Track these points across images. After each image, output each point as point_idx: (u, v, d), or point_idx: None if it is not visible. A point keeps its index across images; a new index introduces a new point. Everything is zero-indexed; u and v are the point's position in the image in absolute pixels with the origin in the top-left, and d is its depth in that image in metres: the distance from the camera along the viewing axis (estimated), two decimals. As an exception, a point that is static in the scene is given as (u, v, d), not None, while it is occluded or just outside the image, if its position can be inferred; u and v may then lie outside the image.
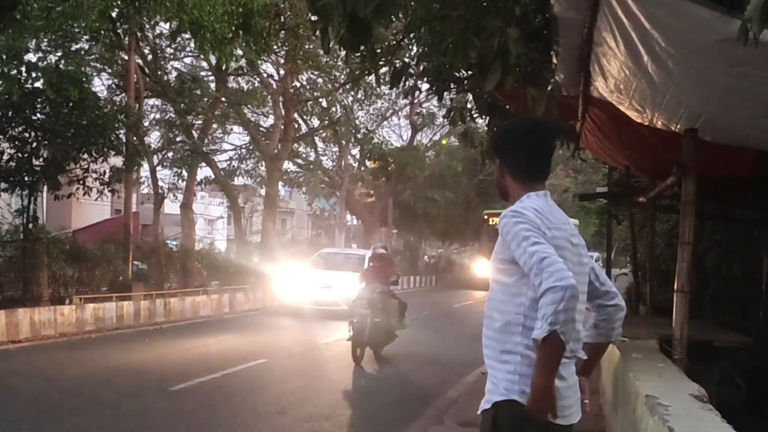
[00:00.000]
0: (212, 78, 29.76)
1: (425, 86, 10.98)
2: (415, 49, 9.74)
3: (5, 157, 17.76)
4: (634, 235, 11.02)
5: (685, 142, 5.62)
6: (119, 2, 17.59)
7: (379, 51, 7.12)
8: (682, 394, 3.98)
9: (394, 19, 5.68)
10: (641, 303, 9.88)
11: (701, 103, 4.97)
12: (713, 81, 4.43)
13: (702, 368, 5.83)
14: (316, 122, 36.09)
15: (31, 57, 20.41)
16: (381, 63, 7.45)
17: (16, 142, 17.79)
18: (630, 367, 4.97)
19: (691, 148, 5.60)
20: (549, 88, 5.44)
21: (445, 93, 10.40)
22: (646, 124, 5.88)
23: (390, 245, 51.45)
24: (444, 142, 41.45)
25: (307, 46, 26.66)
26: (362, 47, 5.65)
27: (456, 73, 9.79)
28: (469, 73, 9.48)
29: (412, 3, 5.42)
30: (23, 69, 17.88)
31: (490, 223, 37.05)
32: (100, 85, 28.52)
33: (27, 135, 17.82)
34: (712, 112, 5.10)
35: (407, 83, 8.81)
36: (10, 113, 17.52)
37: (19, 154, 17.77)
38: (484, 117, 10.78)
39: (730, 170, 6.73)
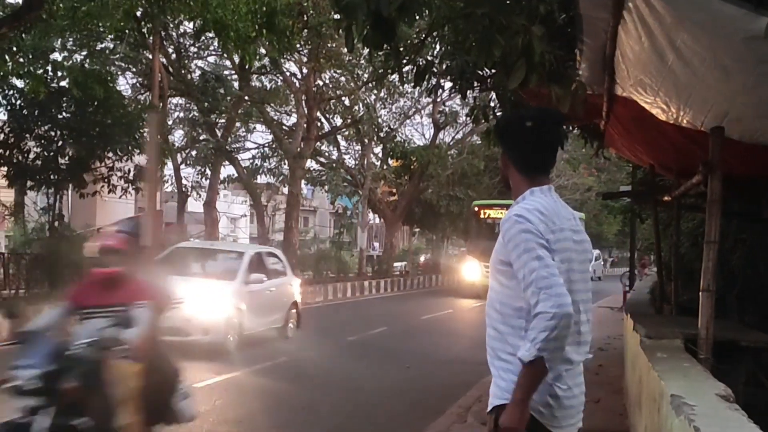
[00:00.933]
0: (235, 77, 29.95)
1: (448, 84, 10.95)
2: (438, 47, 9.72)
3: (32, 155, 17.95)
4: (659, 234, 10.96)
5: (711, 141, 5.57)
6: (144, 2, 17.69)
7: (402, 49, 7.11)
8: (708, 393, 3.95)
9: (417, 18, 5.67)
10: (665, 302, 9.81)
11: (727, 101, 4.93)
12: (740, 79, 4.39)
13: (728, 368, 5.79)
14: (338, 121, 36.17)
15: (57, 56, 20.67)
16: (405, 61, 7.44)
17: (42, 141, 18.00)
18: (655, 367, 4.94)
19: (718, 146, 5.55)
20: (573, 86, 5.41)
21: (469, 91, 10.37)
22: (671, 122, 5.84)
23: (411, 244, 51.47)
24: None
25: (329, 45, 26.72)
26: (386, 46, 5.66)
27: (479, 72, 9.75)
28: (493, 71, 9.45)
29: (436, 1, 5.42)
30: (49, 68, 18.10)
31: (482, 216, 32.57)
32: (124, 84, 28.81)
33: (53, 134, 18.02)
34: (739, 110, 5.05)
35: (430, 82, 8.79)
36: (36, 112, 17.73)
37: (45, 153, 17.98)
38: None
39: (757, 169, 6.67)
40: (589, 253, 3.08)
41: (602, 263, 58.16)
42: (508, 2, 5.34)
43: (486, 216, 32.15)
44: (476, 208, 33.20)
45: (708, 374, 4.76)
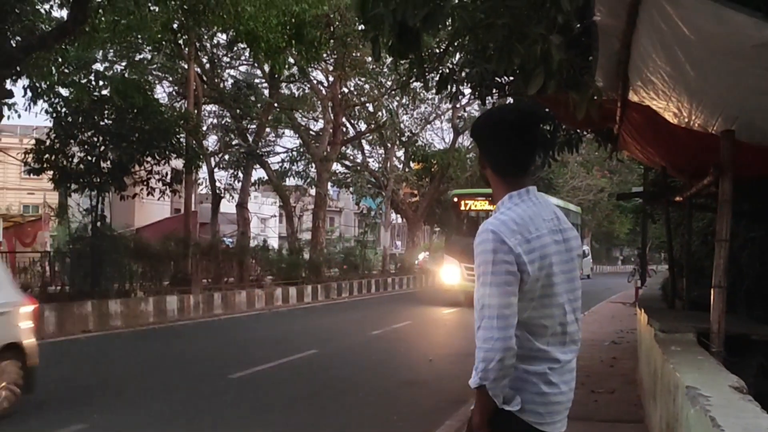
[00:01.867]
0: (266, 85, 30.11)
1: (467, 91, 10.93)
2: (458, 56, 9.70)
3: (75, 160, 18.13)
4: (671, 233, 10.87)
5: (722, 144, 5.53)
6: (180, 15, 17.84)
7: (425, 58, 7.12)
8: (722, 385, 3.92)
9: (440, 28, 5.68)
10: (677, 298, 9.73)
11: (738, 106, 4.89)
12: (750, 84, 4.36)
13: (739, 361, 5.73)
14: (363, 126, 36.25)
15: (99, 66, 20.90)
16: (428, 69, 7.44)
17: (86, 146, 18.17)
18: (670, 359, 4.91)
19: (729, 149, 5.51)
20: (589, 92, 5.38)
21: (488, 97, 10.35)
22: (683, 126, 5.80)
23: (432, 242, 51.33)
24: None
25: (355, 54, 26.78)
26: (410, 55, 5.66)
27: (498, 79, 9.74)
28: (511, 78, 9.43)
29: (458, 12, 5.42)
30: (92, 78, 18.32)
31: (462, 207, 25.80)
32: (161, 92, 29.07)
33: (95, 139, 18.19)
34: (749, 114, 5.01)
35: (452, 89, 8.77)
36: (80, 119, 17.91)
37: (88, 158, 18.14)
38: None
39: (766, 170, 6.62)
40: (575, 251, 2.83)
41: (591, 260, 56.57)
42: (527, 13, 5.32)
43: (467, 208, 25.76)
44: (455, 199, 26.37)
45: (721, 366, 4.72)
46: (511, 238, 2.62)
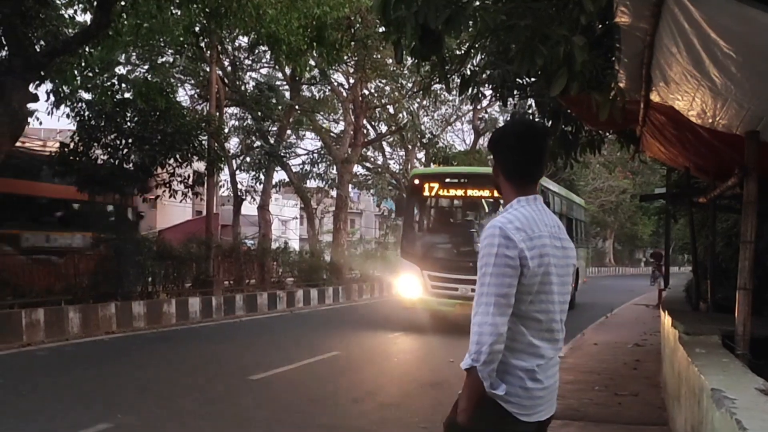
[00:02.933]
0: (287, 87, 30.20)
1: (488, 92, 10.93)
2: (479, 57, 9.70)
3: (99, 162, 18.31)
4: (694, 235, 10.80)
5: (747, 144, 5.50)
6: (202, 18, 17.96)
7: (447, 60, 7.12)
8: (748, 388, 3.89)
9: (462, 30, 5.67)
10: (701, 300, 9.66)
11: (763, 106, 4.85)
12: (775, 84, 4.33)
13: (764, 364, 5.68)
14: (384, 128, 36.24)
15: (122, 70, 21.08)
16: (449, 71, 7.43)
17: (109, 149, 18.36)
18: (695, 362, 4.87)
19: (753, 150, 5.47)
20: (612, 93, 5.36)
21: (509, 99, 10.35)
22: (707, 126, 5.77)
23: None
24: None
25: (375, 56, 26.80)
26: (433, 57, 5.67)
27: (519, 80, 9.73)
28: (533, 80, 9.41)
29: (480, 13, 5.41)
30: (115, 81, 18.47)
31: (426, 193, 17.95)
32: (183, 95, 29.27)
33: (118, 142, 18.36)
34: (774, 115, 4.97)
35: (473, 90, 8.76)
36: (102, 122, 18.10)
37: (112, 160, 18.32)
38: (547, 121, 10.69)
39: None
40: (570, 259, 3.13)
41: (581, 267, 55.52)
42: (549, 14, 5.31)
43: (433, 193, 18.26)
44: (417, 181, 18.39)
45: (746, 369, 4.69)
46: (517, 234, 2.92)
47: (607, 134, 11.43)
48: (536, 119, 11.50)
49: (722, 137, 5.91)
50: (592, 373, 10.52)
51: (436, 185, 18.01)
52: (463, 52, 8.61)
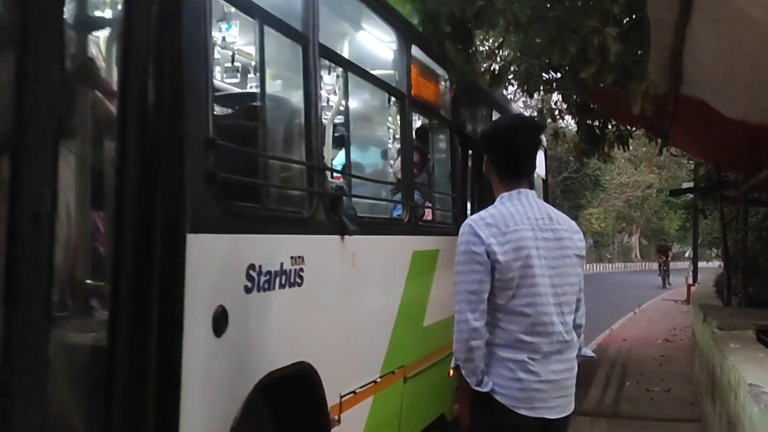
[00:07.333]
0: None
1: (511, 88, 10.95)
2: (506, 52, 9.68)
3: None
4: (725, 229, 10.70)
5: (779, 137, 5.45)
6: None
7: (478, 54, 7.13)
8: (786, 383, 3.85)
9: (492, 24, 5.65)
10: (733, 294, 9.57)
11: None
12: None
13: (800, 358, 5.64)
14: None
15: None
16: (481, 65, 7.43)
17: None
18: (729, 357, 4.83)
19: (786, 142, 5.43)
20: (644, 86, 5.32)
21: (535, 93, 10.35)
22: (739, 119, 5.72)
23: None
24: None
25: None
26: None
27: (545, 75, 9.73)
28: (559, 75, 9.40)
29: (510, 8, 5.39)
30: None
31: None
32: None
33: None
34: (808, 107, 4.93)
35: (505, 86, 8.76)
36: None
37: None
38: (574, 117, 10.68)
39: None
40: (569, 250, 3.05)
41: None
42: (579, 5, 5.28)
43: None
44: None
45: (783, 363, 4.64)
46: (485, 230, 2.92)
47: (635, 129, 11.34)
48: (562, 115, 11.48)
49: (754, 130, 5.86)
50: (622, 368, 10.50)
51: None
52: (496, 45, 8.60)
